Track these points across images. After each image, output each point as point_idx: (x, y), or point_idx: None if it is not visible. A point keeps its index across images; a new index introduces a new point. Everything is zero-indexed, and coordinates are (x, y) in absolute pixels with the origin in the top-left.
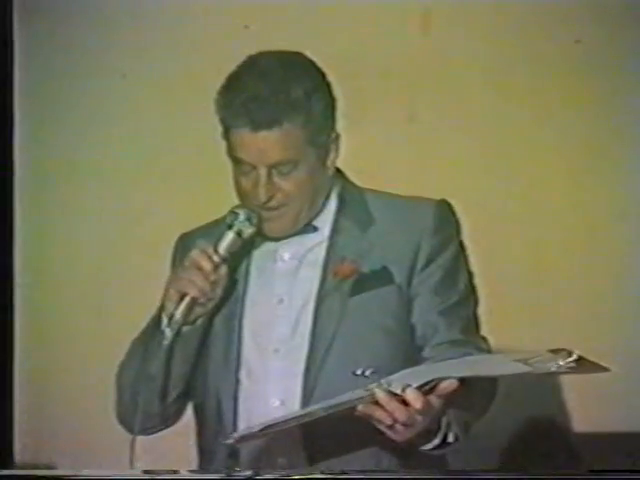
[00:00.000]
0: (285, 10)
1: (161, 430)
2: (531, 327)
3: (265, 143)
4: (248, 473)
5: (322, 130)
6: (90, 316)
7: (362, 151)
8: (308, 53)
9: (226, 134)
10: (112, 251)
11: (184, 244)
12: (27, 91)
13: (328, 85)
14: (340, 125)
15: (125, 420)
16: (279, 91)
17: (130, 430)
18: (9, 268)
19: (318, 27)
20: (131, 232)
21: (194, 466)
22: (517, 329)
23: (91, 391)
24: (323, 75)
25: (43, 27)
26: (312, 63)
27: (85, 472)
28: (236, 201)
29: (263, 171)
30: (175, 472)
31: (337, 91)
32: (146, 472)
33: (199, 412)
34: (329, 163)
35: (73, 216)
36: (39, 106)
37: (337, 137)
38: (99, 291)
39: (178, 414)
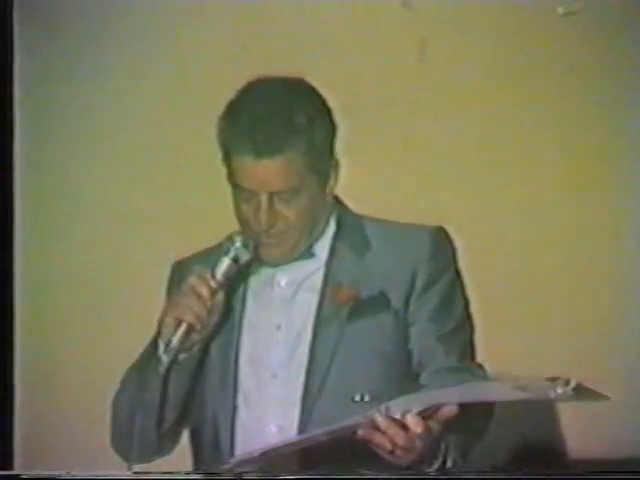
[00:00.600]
0: (282, 34)
1: (157, 458)
2: (528, 354)
3: (267, 171)
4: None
5: (323, 157)
6: (91, 318)
7: (358, 177)
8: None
9: (226, 159)
10: (113, 252)
11: (180, 271)
12: (27, 91)
13: (329, 111)
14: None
15: (121, 448)
16: (282, 117)
17: (126, 458)
18: (9, 268)
19: (314, 53)
20: (132, 234)
21: None
22: (513, 356)
23: (92, 393)
24: (324, 101)
25: (43, 27)
26: (313, 89)
27: (84, 473)
28: (233, 226)
29: (264, 198)
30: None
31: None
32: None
33: (195, 438)
34: (328, 190)
35: (73, 216)
36: (39, 106)
37: (337, 163)
38: (100, 293)
39: (174, 442)
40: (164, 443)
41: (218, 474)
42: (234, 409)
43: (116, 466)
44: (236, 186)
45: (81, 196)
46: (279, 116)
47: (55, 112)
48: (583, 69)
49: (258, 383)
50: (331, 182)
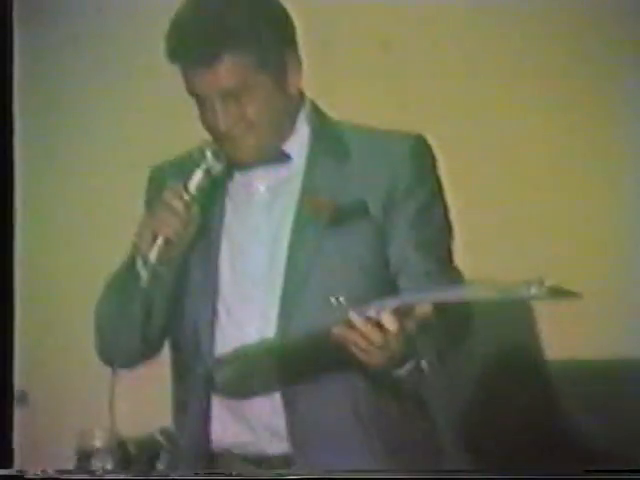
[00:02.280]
0: None
1: (140, 363)
2: (506, 261)
3: (212, 75)
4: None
5: (274, 53)
6: (90, 318)
7: (336, 82)
8: None
9: (181, 72)
10: (113, 251)
11: (156, 180)
12: (27, 91)
13: (275, 5)
14: (312, 55)
15: (106, 355)
16: (215, 24)
17: (110, 364)
18: (9, 268)
19: None
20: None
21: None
22: (492, 262)
23: (92, 393)
24: (272, 2)
25: (43, 27)
26: None
27: (84, 472)
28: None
29: (218, 100)
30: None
31: (311, 21)
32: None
33: (175, 345)
34: (291, 83)
35: (73, 216)
36: (39, 106)
37: (295, 54)
38: (100, 289)
39: (157, 348)
40: (148, 350)
41: (218, 474)
42: (214, 313)
43: (116, 466)
44: (194, 95)
45: (82, 195)
46: (211, 23)
47: (55, 112)
48: None
49: (238, 287)
50: (291, 78)
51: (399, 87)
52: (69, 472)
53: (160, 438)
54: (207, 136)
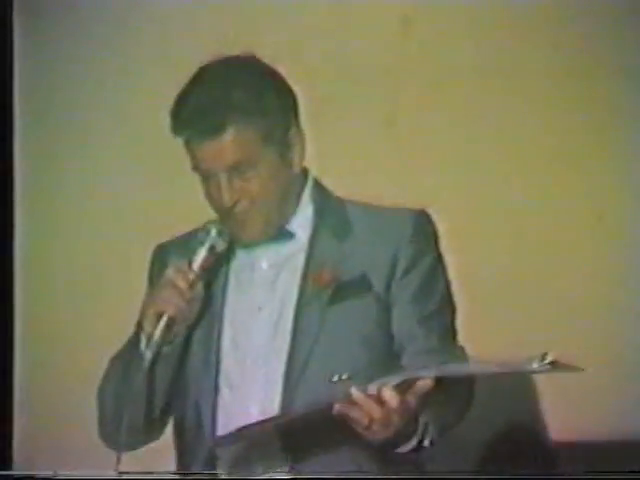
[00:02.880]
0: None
1: (144, 445)
2: (509, 338)
3: (217, 149)
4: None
5: (277, 128)
6: (91, 319)
7: (339, 157)
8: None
9: (185, 147)
10: (113, 250)
11: (160, 257)
12: (27, 91)
13: (281, 82)
14: (315, 128)
15: (109, 437)
16: (220, 97)
17: (114, 447)
18: (9, 268)
19: (298, 28)
20: (132, 232)
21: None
22: (495, 340)
23: (92, 394)
24: (274, 73)
25: (43, 27)
26: (261, 63)
27: (83, 473)
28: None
29: (223, 175)
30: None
31: (313, 91)
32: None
33: (178, 425)
34: (294, 160)
35: (73, 215)
36: (39, 106)
37: (299, 132)
38: (100, 292)
39: (161, 428)
40: (152, 431)
41: (217, 474)
42: (216, 391)
43: (116, 466)
44: (199, 171)
45: (81, 195)
46: (217, 96)
47: (55, 112)
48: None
49: (240, 366)
50: (295, 153)
51: (401, 162)
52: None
53: None
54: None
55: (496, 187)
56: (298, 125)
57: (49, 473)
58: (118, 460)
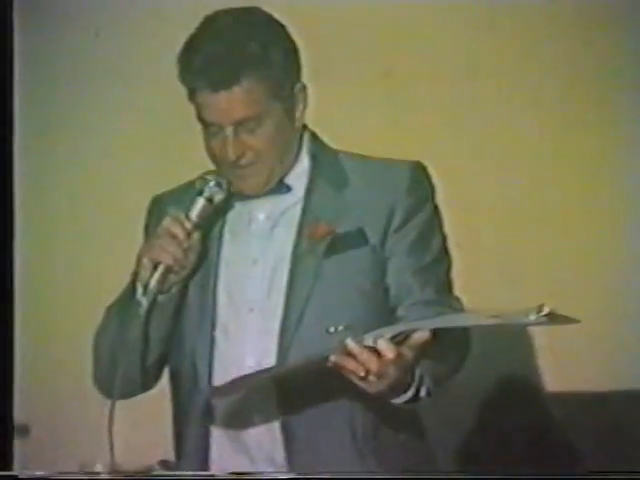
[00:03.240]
0: None
1: (139, 394)
2: (504, 288)
3: (227, 102)
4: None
5: (285, 83)
6: (91, 316)
7: (334, 109)
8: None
9: (191, 97)
10: (113, 250)
11: (157, 208)
12: (27, 91)
13: (288, 36)
14: (312, 80)
15: (103, 385)
16: (234, 49)
17: (108, 395)
18: (9, 267)
19: None
20: (132, 231)
21: (169, 428)
22: (490, 290)
23: (92, 393)
24: (281, 26)
25: (43, 27)
26: (269, 16)
27: (83, 473)
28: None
29: (229, 130)
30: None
31: (310, 44)
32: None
33: (174, 375)
34: (297, 115)
35: (73, 215)
36: (39, 106)
37: (303, 88)
38: (100, 292)
39: (156, 378)
40: (147, 380)
41: (216, 474)
42: (212, 342)
43: (116, 465)
44: (203, 122)
45: (81, 195)
46: (231, 48)
47: (55, 112)
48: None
49: (236, 317)
50: (299, 107)
51: (398, 115)
52: (69, 473)
53: (159, 470)
54: (208, 167)
55: (491, 139)
56: (301, 80)
57: (49, 473)
58: (112, 406)
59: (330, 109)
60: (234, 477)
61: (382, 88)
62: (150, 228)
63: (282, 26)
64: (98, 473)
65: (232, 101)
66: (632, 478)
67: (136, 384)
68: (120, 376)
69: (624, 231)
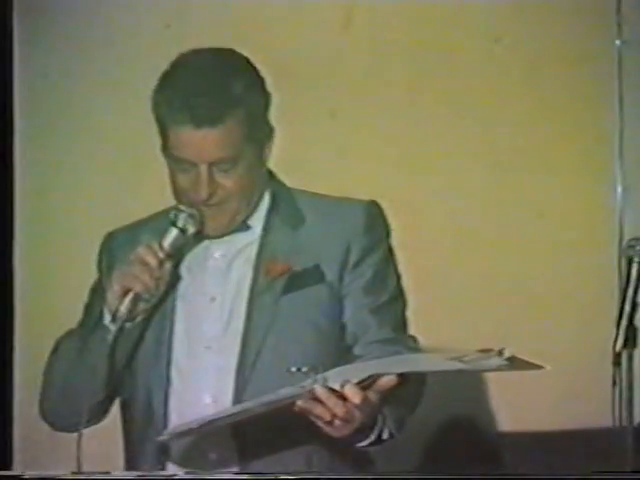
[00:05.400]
0: (204, 10)
1: (94, 424)
2: (458, 327)
3: (206, 140)
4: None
5: (260, 126)
6: None
7: (291, 150)
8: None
9: (163, 132)
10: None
11: (110, 243)
12: (27, 91)
13: (263, 81)
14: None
15: (54, 417)
16: (220, 87)
17: (57, 427)
18: (9, 267)
19: (237, 25)
20: None
21: (121, 464)
22: (446, 331)
23: None
24: (257, 71)
25: (43, 27)
26: (246, 59)
27: (84, 472)
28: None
29: (204, 168)
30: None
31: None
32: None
33: (127, 409)
34: (264, 159)
35: (74, 215)
36: (39, 106)
37: (271, 131)
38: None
39: (106, 410)
40: (97, 411)
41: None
42: (167, 380)
43: (116, 466)
44: (173, 157)
45: (81, 195)
46: (216, 86)
47: (55, 112)
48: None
49: (192, 355)
50: (266, 151)
51: (350, 154)
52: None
53: None
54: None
55: (442, 179)
56: (271, 125)
57: (49, 473)
58: (79, 437)
59: (285, 148)
60: (233, 477)
61: (330, 128)
62: (102, 265)
63: (256, 69)
64: (108, 472)
65: (212, 140)
66: (632, 478)
67: (95, 414)
68: (86, 405)
69: (587, 273)
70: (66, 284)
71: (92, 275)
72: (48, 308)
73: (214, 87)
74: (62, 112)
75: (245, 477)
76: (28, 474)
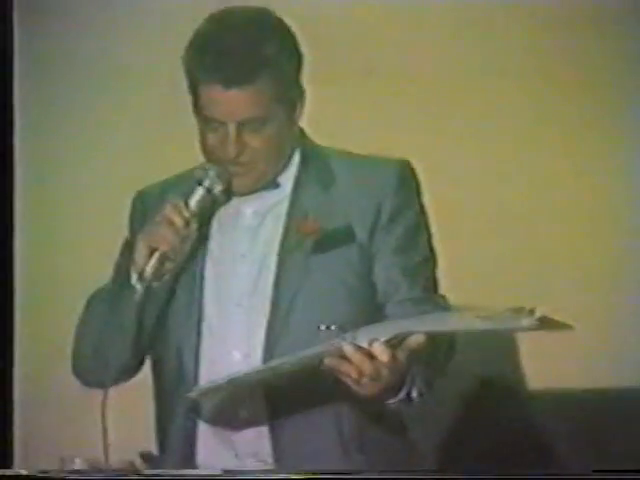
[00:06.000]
0: None
1: (124, 381)
2: (490, 288)
3: (236, 100)
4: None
5: (290, 87)
6: None
7: (322, 108)
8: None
9: (193, 89)
10: (113, 250)
11: (142, 200)
12: (27, 91)
13: (295, 41)
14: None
15: (87, 373)
16: (252, 47)
17: (89, 383)
18: (9, 267)
19: None
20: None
21: (151, 422)
22: (476, 290)
23: (93, 392)
24: (290, 31)
25: (43, 27)
26: (279, 19)
27: (84, 471)
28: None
29: (232, 127)
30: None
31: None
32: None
33: (158, 367)
34: (295, 119)
35: (73, 214)
36: (39, 106)
37: (303, 93)
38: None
39: (137, 367)
40: (134, 367)
41: (214, 474)
42: (198, 337)
43: (117, 464)
44: (203, 116)
45: (81, 195)
46: (248, 46)
47: (55, 112)
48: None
49: (223, 311)
50: (298, 112)
51: (383, 113)
52: (68, 472)
53: (141, 463)
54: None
55: (476, 138)
56: (302, 86)
57: (49, 473)
58: (105, 394)
59: (317, 107)
60: (232, 477)
61: (366, 87)
62: (134, 221)
63: (290, 30)
64: (115, 471)
65: (241, 100)
66: (634, 478)
67: (125, 371)
68: (114, 362)
69: (620, 235)
70: (69, 285)
71: (98, 266)
72: (49, 307)
73: (245, 47)
74: (63, 111)
75: (245, 477)
76: (27, 473)
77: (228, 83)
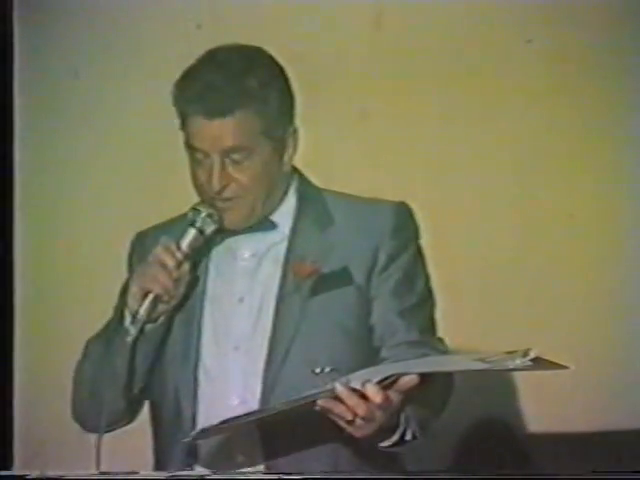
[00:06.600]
0: (237, 9)
1: (120, 427)
2: (486, 330)
3: (219, 130)
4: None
5: (278, 122)
6: (92, 316)
7: (316, 149)
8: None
9: (183, 124)
10: (112, 250)
11: (141, 243)
12: (27, 91)
13: (286, 79)
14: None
15: (84, 418)
16: (234, 80)
17: (86, 428)
18: (9, 267)
19: (270, 24)
20: (131, 230)
21: (150, 466)
22: (472, 332)
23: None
24: (281, 69)
25: (43, 27)
26: (270, 57)
27: (84, 473)
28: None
29: (217, 158)
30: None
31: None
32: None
33: (156, 410)
34: (286, 158)
35: (73, 214)
36: (39, 106)
37: (295, 132)
38: (100, 292)
39: (137, 411)
40: (130, 412)
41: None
42: (195, 382)
43: (117, 466)
44: (191, 148)
45: (81, 195)
46: (231, 79)
47: (55, 112)
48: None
49: (220, 355)
50: (289, 151)
51: (381, 155)
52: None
53: None
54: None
55: (473, 180)
56: (294, 126)
57: (49, 473)
58: (99, 440)
59: (314, 149)
60: (232, 477)
61: (361, 129)
62: (133, 261)
63: (282, 69)
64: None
65: (224, 130)
66: (632, 478)
67: (120, 416)
68: (106, 407)
69: (617, 275)
70: (68, 285)
71: (96, 277)
72: (48, 307)
73: (228, 80)
74: (63, 110)
75: (273, 477)
76: (28, 474)
77: (211, 113)
